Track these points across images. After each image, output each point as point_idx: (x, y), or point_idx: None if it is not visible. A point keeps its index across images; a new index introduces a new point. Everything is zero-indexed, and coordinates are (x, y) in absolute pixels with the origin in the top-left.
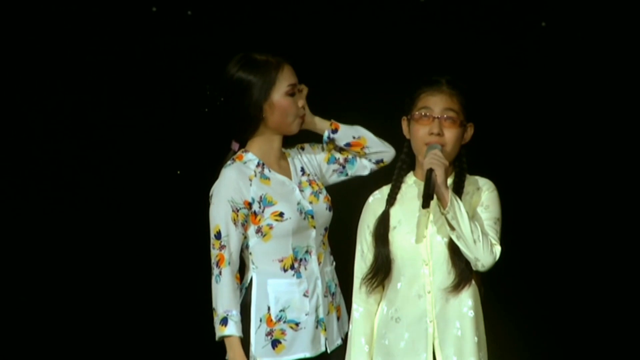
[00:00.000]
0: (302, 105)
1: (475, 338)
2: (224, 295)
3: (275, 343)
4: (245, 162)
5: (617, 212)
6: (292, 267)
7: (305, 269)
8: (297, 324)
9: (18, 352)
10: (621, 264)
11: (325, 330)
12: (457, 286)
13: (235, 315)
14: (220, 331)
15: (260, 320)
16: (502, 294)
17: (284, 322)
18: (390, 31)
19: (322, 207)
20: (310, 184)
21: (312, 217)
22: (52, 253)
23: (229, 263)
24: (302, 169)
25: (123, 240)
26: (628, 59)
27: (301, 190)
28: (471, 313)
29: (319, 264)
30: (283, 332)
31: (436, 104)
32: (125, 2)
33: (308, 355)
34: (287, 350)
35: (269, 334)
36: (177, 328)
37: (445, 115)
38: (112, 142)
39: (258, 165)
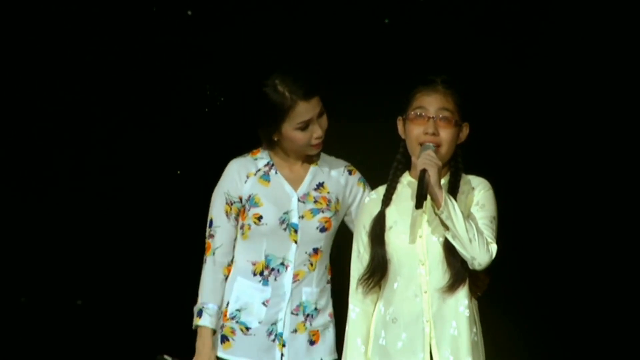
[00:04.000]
0: (317, 136)
1: (472, 337)
2: (204, 285)
3: (223, 338)
4: (256, 159)
5: (615, 210)
6: (261, 274)
7: (275, 279)
8: (247, 328)
9: (20, 352)
10: (620, 263)
11: (283, 346)
12: (453, 286)
13: (210, 308)
14: (195, 321)
15: (221, 313)
16: (500, 294)
17: (237, 322)
18: (390, 31)
19: (311, 225)
20: (316, 200)
21: (295, 231)
22: (52, 253)
23: (214, 253)
24: (321, 184)
25: (123, 240)
26: (625, 58)
27: (302, 202)
28: (467, 312)
29: (295, 281)
30: (233, 331)
31: (431, 103)
32: (125, 2)
33: None
34: (233, 350)
35: (221, 327)
36: (175, 326)
37: (440, 115)
38: (112, 141)
39: (267, 164)
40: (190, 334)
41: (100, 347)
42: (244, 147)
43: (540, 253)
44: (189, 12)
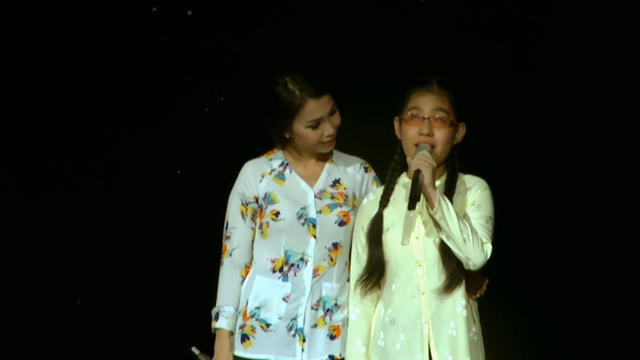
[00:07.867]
0: (328, 134)
1: (471, 337)
2: (221, 288)
3: (243, 337)
4: (270, 159)
5: (612, 209)
6: (281, 270)
7: (295, 275)
8: (267, 325)
9: (20, 352)
10: (618, 263)
11: (304, 341)
12: (449, 287)
13: (227, 310)
14: (213, 324)
15: (240, 313)
16: (500, 294)
17: (256, 319)
18: (390, 31)
19: (329, 220)
20: (333, 196)
21: (314, 225)
22: (52, 253)
23: (230, 254)
24: (337, 180)
25: (123, 240)
26: (621, 56)
27: (318, 198)
28: (465, 312)
29: (315, 276)
30: (253, 329)
31: (426, 104)
32: (125, 2)
33: (272, 358)
34: (253, 348)
35: (242, 327)
36: (174, 327)
37: (436, 116)
38: (112, 142)
39: (282, 164)
40: (191, 334)
41: (100, 347)
42: (244, 147)
43: (539, 252)
44: (189, 12)
